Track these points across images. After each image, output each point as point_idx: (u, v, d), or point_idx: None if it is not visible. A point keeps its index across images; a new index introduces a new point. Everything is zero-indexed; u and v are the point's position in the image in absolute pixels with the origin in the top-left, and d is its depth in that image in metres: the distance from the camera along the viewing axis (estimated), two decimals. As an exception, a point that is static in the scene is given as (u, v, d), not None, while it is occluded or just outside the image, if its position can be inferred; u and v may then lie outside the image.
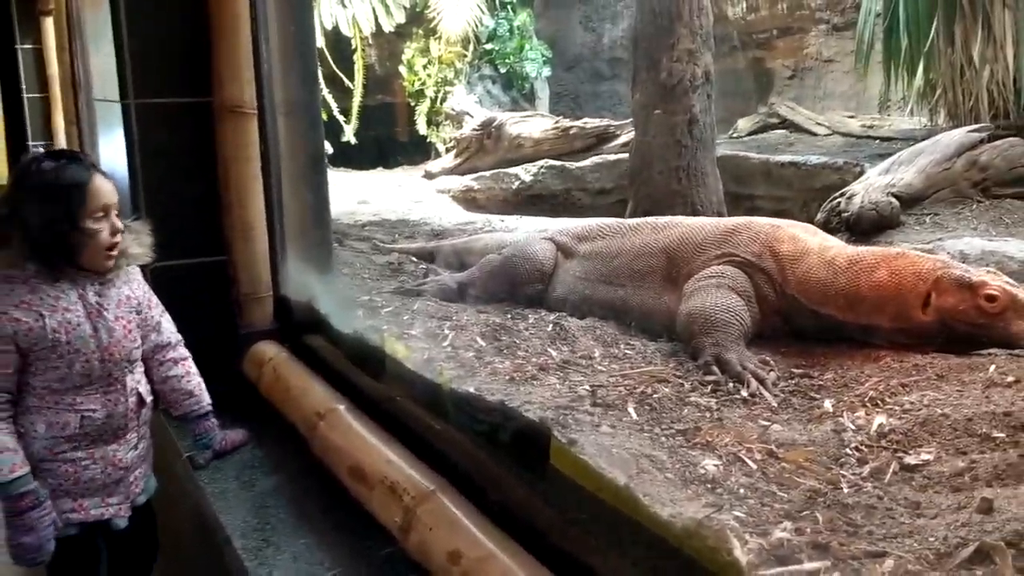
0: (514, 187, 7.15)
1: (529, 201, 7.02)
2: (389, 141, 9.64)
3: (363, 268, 3.95)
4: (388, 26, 9.09)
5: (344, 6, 8.92)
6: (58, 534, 2.04)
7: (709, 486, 1.47)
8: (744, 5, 9.92)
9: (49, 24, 8.15)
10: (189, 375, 2.36)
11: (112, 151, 2.94)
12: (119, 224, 2.05)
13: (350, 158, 9.20)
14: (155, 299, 2.31)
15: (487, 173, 7.43)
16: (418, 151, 9.34)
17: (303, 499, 2.30)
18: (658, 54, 4.24)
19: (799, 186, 5.77)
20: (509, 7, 9.43)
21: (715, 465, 1.54)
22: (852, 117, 8.72)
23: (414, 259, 4.09)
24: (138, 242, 2.17)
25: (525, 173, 7.18)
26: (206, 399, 2.41)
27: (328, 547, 2.04)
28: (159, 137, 2.85)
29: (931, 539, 1.31)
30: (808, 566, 1.19)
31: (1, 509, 1.97)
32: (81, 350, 2.01)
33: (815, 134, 8.54)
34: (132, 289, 2.18)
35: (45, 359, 1.98)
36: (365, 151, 9.38)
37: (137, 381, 2.19)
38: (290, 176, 3.04)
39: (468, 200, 7.31)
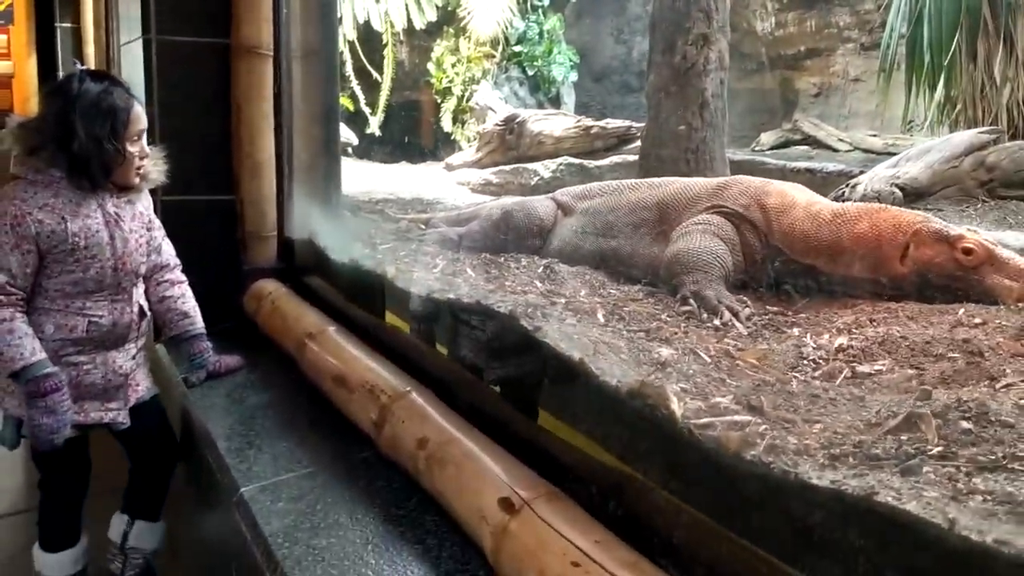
0: (532, 183, 7.23)
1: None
2: (414, 136, 9.76)
3: (372, 231, 4.03)
4: (420, 23, 9.24)
5: (377, 1, 9.09)
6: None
7: (661, 367, 1.53)
8: (772, 21, 9.98)
9: (88, 3, 8.37)
10: (185, 297, 2.48)
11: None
12: (147, 148, 2.22)
13: (375, 151, 9.35)
14: (158, 222, 2.44)
15: (507, 168, 7.52)
16: (442, 147, 9.46)
17: (289, 411, 2.39)
18: (673, 37, 4.33)
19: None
20: (540, 11, 9.56)
21: (670, 353, 1.61)
22: (875, 135, 8.74)
23: (422, 226, 4.17)
24: (155, 166, 2.30)
25: (544, 169, 7.27)
26: (200, 321, 2.52)
27: (308, 449, 2.13)
28: (177, 73, 2.97)
29: (865, 414, 1.36)
30: (738, 418, 1.25)
31: (24, 392, 2.06)
32: (97, 256, 2.13)
33: (836, 150, 8.57)
34: (144, 207, 2.31)
35: (62, 262, 2.09)
36: (390, 145, 9.53)
37: (140, 295, 2.30)
38: (302, 120, 3.14)
39: (487, 193, 7.39)
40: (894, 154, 7.90)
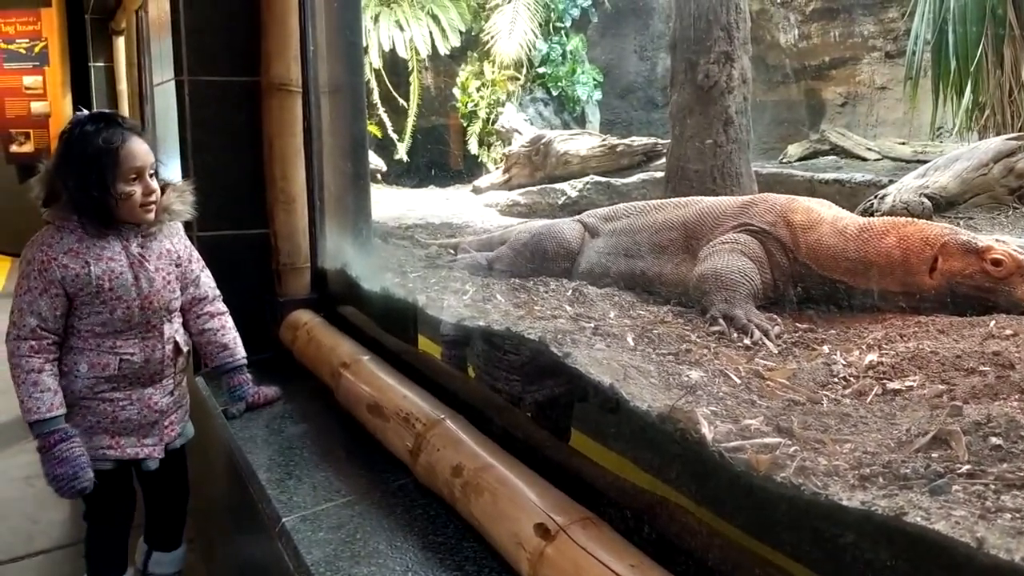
0: (560, 202, 7.26)
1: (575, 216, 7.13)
2: (441, 160, 9.84)
3: (402, 258, 4.09)
4: (444, 49, 9.34)
5: (402, 29, 9.21)
6: (91, 465, 2.18)
7: (690, 390, 1.55)
8: (796, 33, 9.96)
9: (121, 43, 8.58)
10: (225, 329, 2.51)
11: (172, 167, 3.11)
12: (152, 184, 2.19)
13: (403, 176, 9.44)
14: (196, 255, 2.46)
15: (534, 188, 7.56)
16: (470, 170, 9.53)
17: (327, 441, 2.43)
18: (696, 56, 4.36)
19: (842, 203, 5.78)
20: (562, 32, 9.62)
21: (700, 376, 1.62)
22: (903, 143, 8.67)
23: (451, 251, 4.22)
24: (181, 200, 2.34)
25: (571, 189, 7.30)
26: (240, 353, 2.55)
27: (346, 478, 2.17)
28: (209, 112, 3.04)
29: (895, 432, 1.37)
30: (768, 440, 1.26)
31: (36, 446, 2.14)
32: (123, 297, 2.18)
33: (865, 159, 8.50)
34: (173, 244, 2.34)
35: (90, 304, 2.15)
36: (418, 170, 9.62)
37: (175, 330, 2.34)
38: (332, 153, 3.21)
39: (514, 215, 7.43)
40: (924, 162, 7.84)
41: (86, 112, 2.21)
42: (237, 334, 2.56)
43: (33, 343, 2.10)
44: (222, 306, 2.53)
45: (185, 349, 2.40)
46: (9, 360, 2.10)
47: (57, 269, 2.10)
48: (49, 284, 2.10)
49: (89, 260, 2.14)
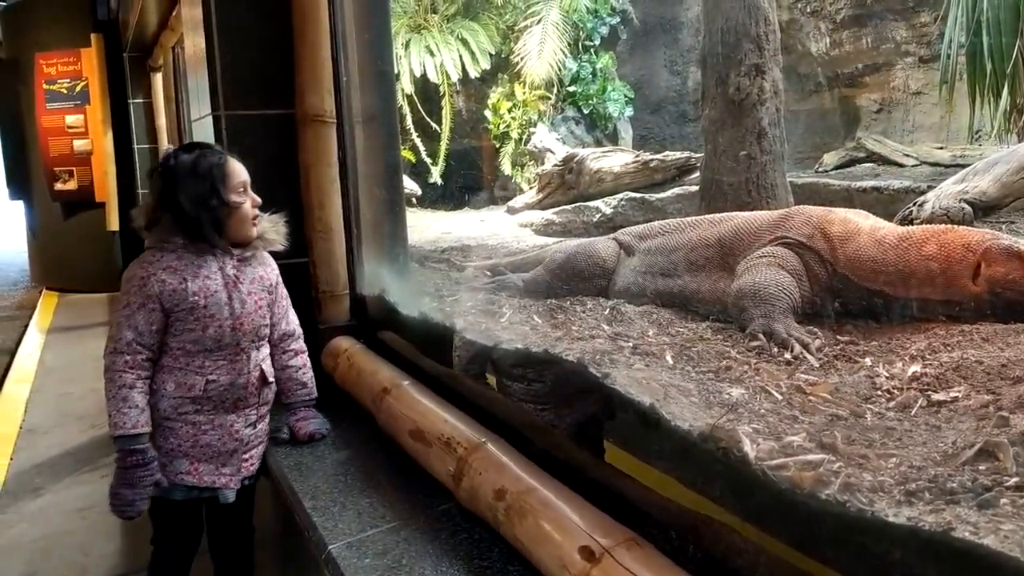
0: (595, 220, 7.28)
1: (610, 234, 7.12)
2: (476, 183, 9.90)
3: (439, 282, 4.13)
4: (474, 72, 9.42)
5: (432, 54, 9.30)
6: (160, 493, 2.22)
7: (732, 409, 1.55)
8: (827, 41, 9.90)
9: (158, 79, 8.76)
10: (306, 367, 2.57)
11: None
12: (257, 198, 2.31)
13: (437, 199, 9.52)
14: (285, 291, 2.51)
15: (568, 207, 7.58)
16: (503, 191, 9.58)
17: (370, 467, 2.44)
18: (726, 70, 4.36)
19: (881, 211, 5.73)
20: (592, 50, 9.66)
21: (741, 393, 1.62)
22: (941, 148, 8.56)
23: (488, 272, 4.24)
24: (275, 230, 2.40)
25: (606, 206, 7.32)
26: (315, 392, 2.62)
27: (390, 504, 2.18)
28: (246, 144, 3.08)
29: (941, 445, 1.35)
30: (811, 457, 1.26)
31: (115, 459, 2.15)
32: (215, 316, 2.21)
33: (903, 165, 8.41)
34: (266, 272, 2.39)
35: (183, 320, 2.18)
36: (452, 192, 9.69)
37: (262, 359, 2.37)
38: (367, 181, 3.24)
39: (549, 233, 7.45)
40: (963, 166, 7.72)
41: (172, 147, 2.30)
42: (313, 374, 2.62)
43: (128, 357, 2.13)
44: (304, 345, 2.58)
45: (271, 381, 2.42)
46: (104, 374, 2.14)
47: (155, 284, 2.15)
48: (147, 299, 2.14)
49: (187, 276, 2.19)
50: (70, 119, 9.00)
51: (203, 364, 2.22)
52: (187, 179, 2.18)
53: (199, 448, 2.24)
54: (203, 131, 3.33)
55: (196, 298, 2.18)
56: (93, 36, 8.87)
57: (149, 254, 2.21)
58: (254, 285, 2.32)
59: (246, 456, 2.35)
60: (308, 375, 2.58)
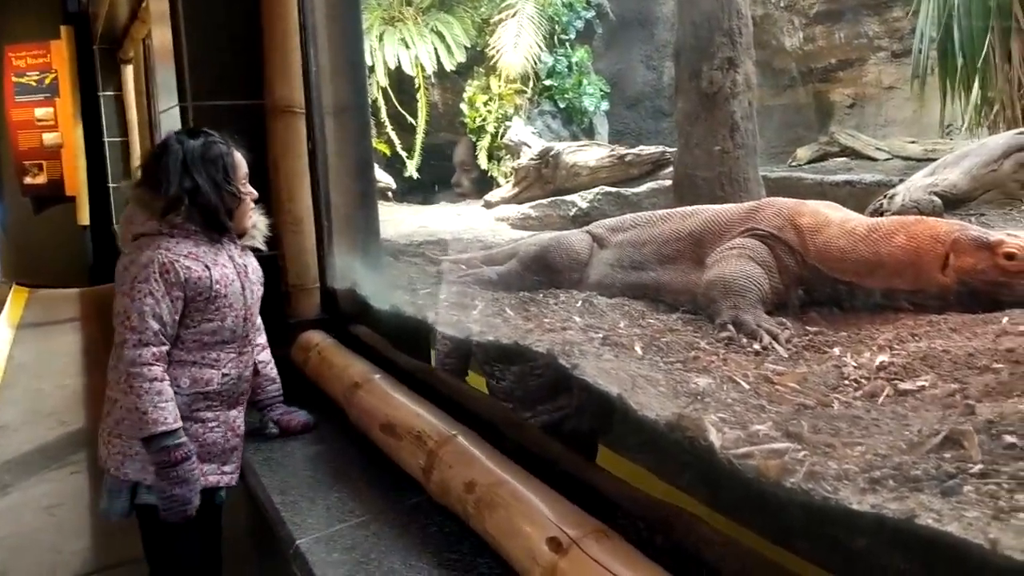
0: (571, 214, 7.27)
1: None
2: (450, 176, 9.86)
3: (413, 276, 4.11)
4: (450, 65, 9.38)
5: (407, 47, 9.25)
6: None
7: (698, 398, 1.54)
8: (801, 36, 9.95)
9: (129, 72, 8.66)
10: (272, 362, 2.57)
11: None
12: (254, 191, 2.27)
13: (414, 193, 9.48)
14: None
15: (545, 201, 7.56)
16: (480, 185, 9.55)
17: (340, 462, 2.43)
18: (699, 63, 4.36)
19: (854, 205, 5.76)
20: (567, 44, 9.64)
21: (708, 383, 1.61)
22: (913, 142, 8.62)
23: (462, 267, 4.22)
24: (263, 224, 2.36)
25: (582, 200, 7.30)
26: (280, 386, 2.61)
27: (360, 498, 2.17)
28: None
29: (907, 434, 1.36)
30: (777, 445, 1.25)
31: (153, 460, 1.99)
32: (233, 304, 2.15)
33: (875, 159, 8.46)
34: (256, 263, 2.34)
35: (202, 311, 2.09)
36: (428, 186, 9.65)
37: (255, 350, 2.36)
38: (338, 174, 3.22)
39: (526, 227, 7.44)
40: (934, 160, 7.81)
41: (175, 131, 2.21)
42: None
43: (155, 349, 1.98)
44: (266, 340, 2.55)
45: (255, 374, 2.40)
46: (128, 369, 1.96)
47: (180, 271, 2.03)
48: (171, 287, 2.01)
49: (208, 264, 2.10)
50: (40, 112, 8.88)
51: (218, 357, 2.14)
52: (200, 162, 2.10)
53: (205, 448, 2.13)
54: (170, 123, 3.29)
55: (219, 287, 2.10)
56: (63, 28, 8.77)
57: (163, 239, 2.06)
58: (255, 275, 2.29)
59: (241, 450, 2.29)
60: (275, 371, 2.56)
